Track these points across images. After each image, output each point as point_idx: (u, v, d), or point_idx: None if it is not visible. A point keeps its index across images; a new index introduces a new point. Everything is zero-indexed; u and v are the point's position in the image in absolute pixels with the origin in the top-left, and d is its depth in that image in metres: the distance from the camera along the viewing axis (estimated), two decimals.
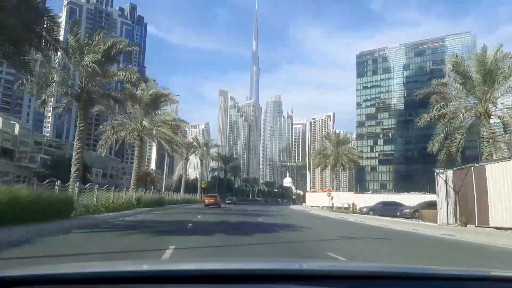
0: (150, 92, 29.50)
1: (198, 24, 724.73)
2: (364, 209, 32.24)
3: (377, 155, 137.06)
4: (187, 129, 53.30)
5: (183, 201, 40.43)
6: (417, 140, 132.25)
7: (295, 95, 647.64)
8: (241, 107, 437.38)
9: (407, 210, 28.87)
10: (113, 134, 27.52)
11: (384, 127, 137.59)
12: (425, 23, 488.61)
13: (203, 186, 64.07)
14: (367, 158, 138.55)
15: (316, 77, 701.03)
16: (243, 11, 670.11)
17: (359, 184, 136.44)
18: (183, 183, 52.91)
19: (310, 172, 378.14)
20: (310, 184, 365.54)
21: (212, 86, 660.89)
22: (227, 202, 57.32)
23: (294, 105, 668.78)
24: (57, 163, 52.72)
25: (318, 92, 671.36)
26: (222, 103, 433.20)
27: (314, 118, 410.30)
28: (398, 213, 28.64)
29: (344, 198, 46.02)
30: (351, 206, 40.49)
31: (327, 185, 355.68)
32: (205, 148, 64.58)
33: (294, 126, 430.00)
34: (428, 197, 34.35)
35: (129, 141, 30.30)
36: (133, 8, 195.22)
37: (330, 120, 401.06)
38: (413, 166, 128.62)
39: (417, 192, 49.91)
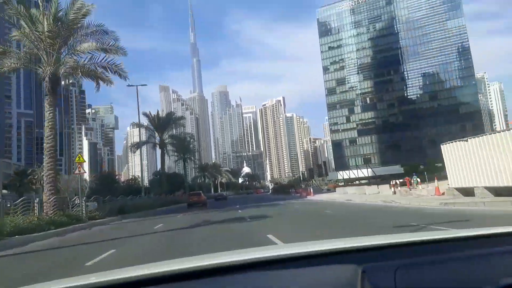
0: None
1: (130, 23, 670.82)
2: None
3: (355, 126, 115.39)
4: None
5: None
6: (401, 102, 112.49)
7: (240, 88, 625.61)
8: (186, 100, 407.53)
9: None
10: None
11: (359, 91, 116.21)
12: None
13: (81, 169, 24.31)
14: (344, 130, 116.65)
15: (259, 69, 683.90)
16: (176, 6, 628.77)
17: (338, 162, 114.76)
18: None
19: (267, 159, 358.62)
20: (270, 171, 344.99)
21: (152, 88, 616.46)
22: (218, 198, 53.96)
23: (241, 97, 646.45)
24: None
25: (263, 83, 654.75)
26: (164, 99, 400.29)
27: (264, 105, 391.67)
28: None
29: None
30: None
31: (286, 172, 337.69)
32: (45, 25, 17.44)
33: (244, 115, 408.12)
34: None
35: None
36: None
37: (281, 105, 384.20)
38: (399, 133, 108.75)
39: None
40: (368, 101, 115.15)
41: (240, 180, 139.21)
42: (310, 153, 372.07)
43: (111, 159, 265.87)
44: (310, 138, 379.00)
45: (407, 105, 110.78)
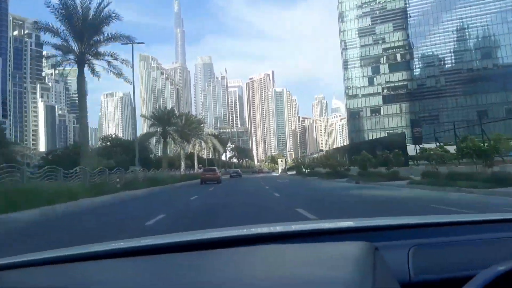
0: None
1: None
2: None
3: (380, 90, 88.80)
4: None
5: None
6: (444, 60, 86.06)
7: (226, 64, 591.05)
8: (167, 69, 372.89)
9: None
10: None
11: (388, 45, 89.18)
12: None
13: None
14: (364, 95, 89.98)
15: (244, 47, 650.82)
16: None
17: (354, 135, 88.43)
18: None
19: (253, 138, 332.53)
20: (256, 151, 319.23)
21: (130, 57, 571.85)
22: (233, 175, 53.76)
23: (227, 72, 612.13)
24: None
25: (248, 62, 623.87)
26: (144, 69, 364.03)
27: (252, 78, 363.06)
28: None
29: None
30: None
31: (272, 152, 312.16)
32: None
33: (229, 90, 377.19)
34: None
35: None
36: None
37: (270, 79, 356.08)
38: (439, 101, 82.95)
39: None
40: (399, 58, 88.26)
41: (228, 155, 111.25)
42: (298, 133, 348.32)
43: (77, 128, 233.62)
44: (298, 117, 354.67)
45: (451, 65, 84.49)
